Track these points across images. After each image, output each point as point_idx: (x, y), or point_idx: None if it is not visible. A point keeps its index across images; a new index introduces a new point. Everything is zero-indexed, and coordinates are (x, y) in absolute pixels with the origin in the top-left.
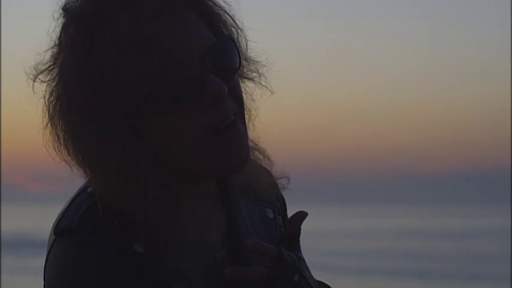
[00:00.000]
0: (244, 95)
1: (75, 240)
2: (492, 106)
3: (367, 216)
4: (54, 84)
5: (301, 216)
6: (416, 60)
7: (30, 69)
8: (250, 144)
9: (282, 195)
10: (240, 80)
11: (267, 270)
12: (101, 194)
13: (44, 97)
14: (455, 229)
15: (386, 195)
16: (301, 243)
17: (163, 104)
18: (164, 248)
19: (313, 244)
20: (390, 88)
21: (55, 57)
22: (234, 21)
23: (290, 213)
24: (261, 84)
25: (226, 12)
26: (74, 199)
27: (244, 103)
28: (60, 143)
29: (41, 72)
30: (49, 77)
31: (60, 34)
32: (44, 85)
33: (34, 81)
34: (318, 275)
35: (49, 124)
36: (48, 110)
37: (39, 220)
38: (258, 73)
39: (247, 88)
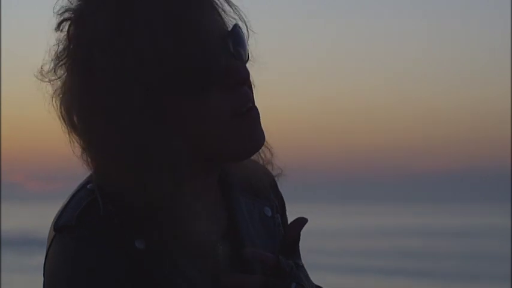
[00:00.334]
0: None
1: (75, 237)
2: (492, 105)
3: (366, 215)
4: (74, 72)
5: (301, 222)
6: (416, 60)
7: (41, 65)
8: None
9: (280, 194)
10: None
11: (264, 278)
12: (109, 179)
13: (58, 87)
14: (455, 228)
15: (385, 193)
16: (302, 243)
17: (190, 87)
18: (165, 243)
19: (313, 243)
20: (390, 88)
21: (74, 47)
22: (240, 16)
23: (289, 213)
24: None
25: (235, 8)
26: (73, 196)
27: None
28: (73, 132)
29: (60, 61)
30: (68, 65)
31: (80, 24)
32: (59, 77)
33: (50, 69)
34: (318, 274)
35: (66, 113)
36: (66, 100)
37: (40, 218)
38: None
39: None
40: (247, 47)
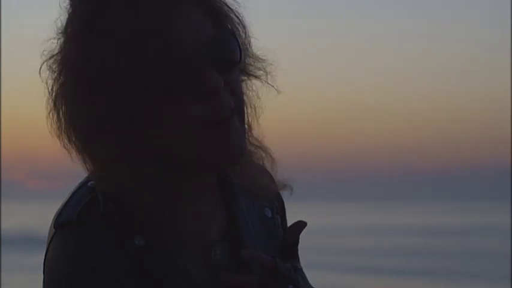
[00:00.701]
0: (249, 93)
1: (75, 234)
2: (492, 105)
3: (366, 214)
4: (58, 71)
5: (300, 225)
6: (416, 60)
7: (36, 58)
8: (254, 142)
9: (281, 197)
10: (246, 78)
11: (262, 279)
12: (100, 183)
13: (48, 84)
14: (455, 227)
15: (385, 192)
16: (304, 242)
17: (159, 94)
18: (164, 241)
19: (313, 242)
20: (390, 87)
21: (60, 46)
22: (237, 17)
23: (288, 214)
24: (267, 82)
25: (230, 8)
26: (74, 193)
27: (245, 100)
28: (61, 131)
29: (47, 60)
30: (54, 65)
31: (67, 20)
32: (49, 75)
33: (40, 68)
34: (318, 273)
35: (51, 111)
36: (51, 97)
37: (40, 217)
38: (265, 71)
39: (254, 86)
40: (237, 51)
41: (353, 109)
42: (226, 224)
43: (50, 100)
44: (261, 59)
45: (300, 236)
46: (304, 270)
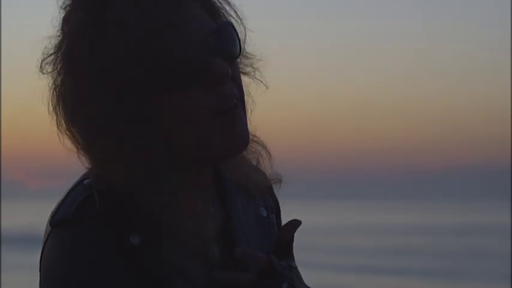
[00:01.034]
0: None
1: (71, 232)
2: (492, 104)
3: (365, 213)
4: (59, 67)
5: (294, 224)
6: (416, 60)
7: (36, 57)
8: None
9: (276, 197)
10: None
11: (256, 277)
12: (100, 182)
13: (49, 82)
14: (455, 226)
15: (385, 192)
16: (303, 241)
17: (169, 84)
18: (160, 239)
19: (313, 241)
20: (390, 87)
21: (61, 42)
22: (234, 10)
23: (288, 213)
24: (256, 78)
25: (227, 2)
26: (70, 191)
27: (244, 92)
28: (62, 130)
29: (47, 57)
30: (55, 62)
31: (67, 19)
32: (48, 74)
33: (40, 66)
34: (317, 274)
35: (55, 109)
36: (54, 95)
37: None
38: (253, 68)
39: (243, 82)
40: (238, 43)
41: (353, 109)
42: (221, 223)
43: (50, 100)
44: (250, 55)
45: (295, 234)
46: (304, 269)
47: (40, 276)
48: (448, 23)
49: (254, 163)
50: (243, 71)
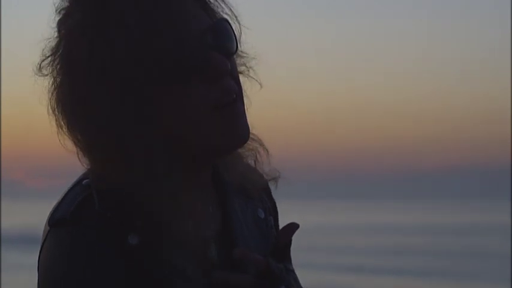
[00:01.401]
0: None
1: (70, 231)
2: (492, 104)
3: (365, 213)
4: (58, 68)
5: (292, 227)
6: (416, 60)
7: (35, 58)
8: None
9: (273, 199)
10: None
11: (253, 279)
12: (100, 182)
13: (48, 84)
14: (455, 226)
15: (385, 191)
16: (303, 241)
17: (169, 83)
18: (160, 239)
19: (312, 241)
20: (390, 87)
21: (58, 44)
22: (228, 8)
23: (288, 213)
24: (250, 77)
25: (222, 0)
26: (68, 191)
27: (242, 87)
28: (62, 130)
29: (45, 59)
30: (53, 64)
31: (64, 21)
32: (47, 75)
33: (39, 67)
34: (317, 274)
35: (54, 109)
36: (53, 96)
37: (40, 216)
38: (246, 66)
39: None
40: (234, 40)
41: (353, 109)
42: (220, 224)
43: (50, 100)
44: (243, 54)
45: (292, 237)
46: (304, 269)
47: (38, 276)
48: (448, 23)
49: (252, 160)
50: (238, 69)
